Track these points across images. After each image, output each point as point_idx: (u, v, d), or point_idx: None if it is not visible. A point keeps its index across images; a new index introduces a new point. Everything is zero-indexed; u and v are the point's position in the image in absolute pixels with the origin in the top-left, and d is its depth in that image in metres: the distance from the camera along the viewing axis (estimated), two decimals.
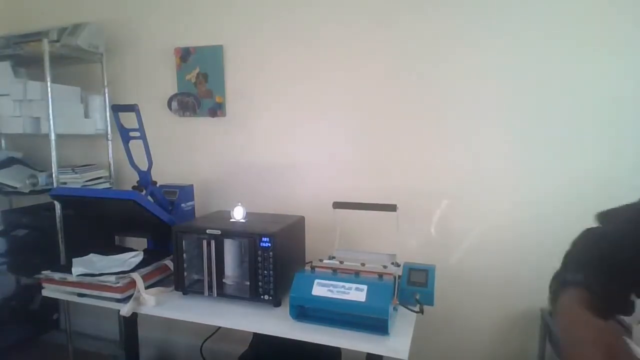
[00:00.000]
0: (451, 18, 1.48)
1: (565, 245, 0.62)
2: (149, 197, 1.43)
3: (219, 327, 1.32)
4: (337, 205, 1.32)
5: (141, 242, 1.63)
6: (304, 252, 1.43)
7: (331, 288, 1.05)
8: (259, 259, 1.16)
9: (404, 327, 1.06)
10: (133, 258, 1.35)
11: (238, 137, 1.79)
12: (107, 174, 1.95)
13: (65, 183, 1.76)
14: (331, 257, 1.26)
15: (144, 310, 1.20)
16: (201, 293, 1.22)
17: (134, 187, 1.46)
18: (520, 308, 1.51)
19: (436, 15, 1.49)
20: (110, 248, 1.57)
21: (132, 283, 1.21)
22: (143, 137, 1.45)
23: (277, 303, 1.18)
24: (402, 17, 1.53)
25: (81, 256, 1.35)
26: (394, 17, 1.54)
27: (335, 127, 1.66)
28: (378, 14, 1.55)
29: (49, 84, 1.62)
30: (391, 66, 1.56)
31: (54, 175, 1.68)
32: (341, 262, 1.19)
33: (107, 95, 1.92)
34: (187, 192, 1.58)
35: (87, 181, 1.82)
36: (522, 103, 1.45)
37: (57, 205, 1.68)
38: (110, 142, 1.95)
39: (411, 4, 1.51)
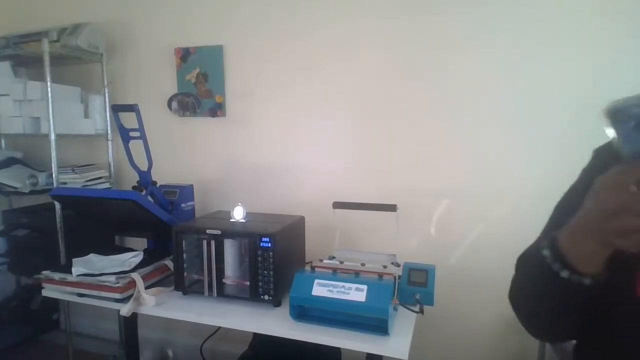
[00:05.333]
0: (452, 20, 1.48)
1: None
2: (149, 197, 1.43)
3: (219, 327, 1.32)
4: (337, 205, 1.32)
5: (141, 242, 1.63)
6: (304, 252, 1.43)
7: (331, 288, 1.04)
8: (259, 259, 1.16)
9: (404, 327, 1.06)
10: (133, 258, 1.35)
11: (238, 137, 1.79)
12: (107, 174, 1.95)
13: (65, 183, 1.76)
14: (331, 257, 1.26)
15: (144, 310, 1.20)
16: (201, 293, 1.22)
17: (134, 187, 1.46)
18: None
19: (436, 17, 1.49)
20: (110, 248, 1.57)
21: (132, 283, 1.21)
22: (143, 137, 1.45)
23: (277, 303, 1.18)
24: (404, 18, 1.53)
25: (81, 256, 1.35)
26: (395, 17, 1.54)
27: (335, 127, 1.66)
28: (379, 14, 1.55)
29: (49, 84, 1.62)
30: (392, 67, 1.56)
31: (54, 175, 1.68)
32: (341, 262, 1.18)
33: (107, 95, 1.92)
34: (187, 192, 1.58)
35: (87, 181, 1.82)
36: (523, 103, 1.45)
37: (57, 205, 1.68)
38: (110, 142, 1.96)
39: (414, 4, 1.51)
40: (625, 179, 0.39)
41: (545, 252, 0.51)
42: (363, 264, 1.16)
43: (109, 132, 1.95)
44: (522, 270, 0.60)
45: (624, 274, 0.51)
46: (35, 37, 1.68)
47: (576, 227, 0.47)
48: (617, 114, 0.36)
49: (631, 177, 0.39)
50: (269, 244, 1.14)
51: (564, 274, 0.49)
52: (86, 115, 1.89)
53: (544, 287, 0.53)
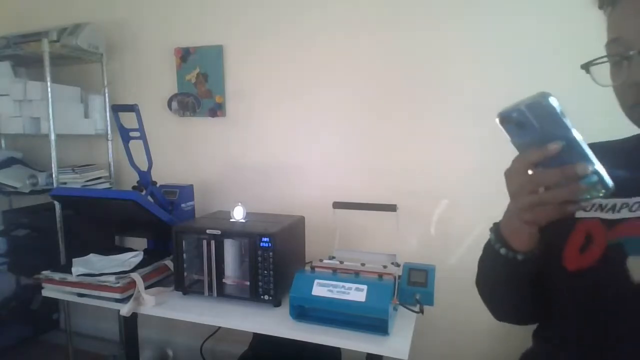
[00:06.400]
0: (451, 20, 1.48)
1: None
2: (149, 197, 1.43)
3: (219, 327, 1.32)
4: (337, 205, 1.32)
5: (141, 242, 1.63)
6: (304, 252, 1.43)
7: (331, 288, 1.04)
8: (259, 259, 1.16)
9: (404, 327, 1.06)
10: (133, 258, 1.35)
11: (238, 137, 1.79)
12: (107, 174, 1.95)
13: (65, 183, 1.76)
14: (331, 257, 1.26)
15: (144, 310, 1.20)
16: (201, 293, 1.22)
17: (134, 187, 1.46)
18: None
19: (436, 17, 1.49)
20: (110, 248, 1.57)
21: (132, 283, 1.21)
22: (143, 137, 1.45)
23: (277, 303, 1.18)
24: (403, 18, 1.53)
25: (81, 256, 1.35)
26: (394, 18, 1.54)
27: (335, 127, 1.66)
28: (379, 14, 1.55)
29: (49, 84, 1.62)
30: (392, 67, 1.56)
31: (54, 175, 1.68)
32: (341, 262, 1.18)
33: (107, 95, 1.92)
34: (187, 192, 1.58)
35: (87, 181, 1.82)
36: None
37: (57, 205, 1.68)
38: (110, 142, 1.95)
39: (413, 5, 1.51)
40: (521, 165, 0.47)
41: (491, 235, 0.60)
42: (363, 264, 1.17)
43: (109, 132, 1.95)
44: (481, 256, 0.67)
45: (552, 251, 0.58)
46: (35, 37, 1.68)
47: (507, 211, 0.56)
48: (503, 119, 0.47)
49: (524, 163, 0.47)
50: (269, 244, 1.14)
51: (502, 251, 0.57)
52: (86, 115, 1.89)
53: (491, 265, 0.62)
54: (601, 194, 0.43)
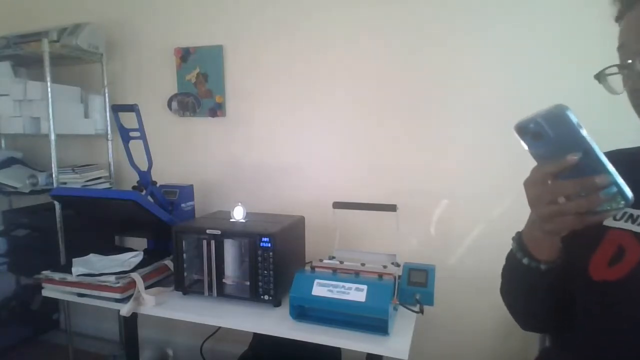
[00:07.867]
0: (451, 21, 1.48)
1: None
2: (149, 197, 1.43)
3: (219, 327, 1.32)
4: (337, 205, 1.32)
5: (141, 242, 1.63)
6: (304, 252, 1.43)
7: (331, 288, 1.04)
8: (259, 259, 1.16)
9: (404, 327, 1.06)
10: (133, 258, 1.35)
11: (238, 137, 1.79)
12: (107, 174, 1.95)
13: (65, 183, 1.76)
14: (331, 257, 1.26)
15: (144, 310, 1.20)
16: (201, 293, 1.22)
17: (134, 187, 1.46)
18: None
19: (436, 18, 1.49)
20: (110, 248, 1.57)
21: (132, 283, 1.21)
22: (143, 137, 1.45)
23: (277, 303, 1.18)
24: (403, 20, 1.53)
25: (81, 256, 1.35)
26: (395, 19, 1.54)
27: (335, 127, 1.66)
28: (379, 16, 1.55)
29: (49, 84, 1.62)
30: (392, 67, 1.56)
31: (54, 175, 1.68)
32: (341, 262, 1.18)
33: (107, 95, 1.92)
34: (187, 192, 1.58)
35: (87, 181, 1.82)
36: (525, 103, 1.44)
37: (57, 205, 1.68)
38: (110, 142, 1.95)
39: (414, 6, 1.51)
40: (539, 176, 0.47)
41: (513, 244, 0.60)
42: (363, 264, 1.16)
43: (109, 132, 1.95)
44: (504, 266, 0.67)
45: (580, 258, 0.58)
46: (35, 37, 1.68)
47: (528, 220, 0.56)
48: (520, 130, 0.47)
49: (542, 174, 0.47)
50: (269, 244, 1.14)
51: (525, 260, 0.57)
52: (86, 115, 1.89)
53: (514, 275, 0.62)
54: (621, 205, 0.43)
